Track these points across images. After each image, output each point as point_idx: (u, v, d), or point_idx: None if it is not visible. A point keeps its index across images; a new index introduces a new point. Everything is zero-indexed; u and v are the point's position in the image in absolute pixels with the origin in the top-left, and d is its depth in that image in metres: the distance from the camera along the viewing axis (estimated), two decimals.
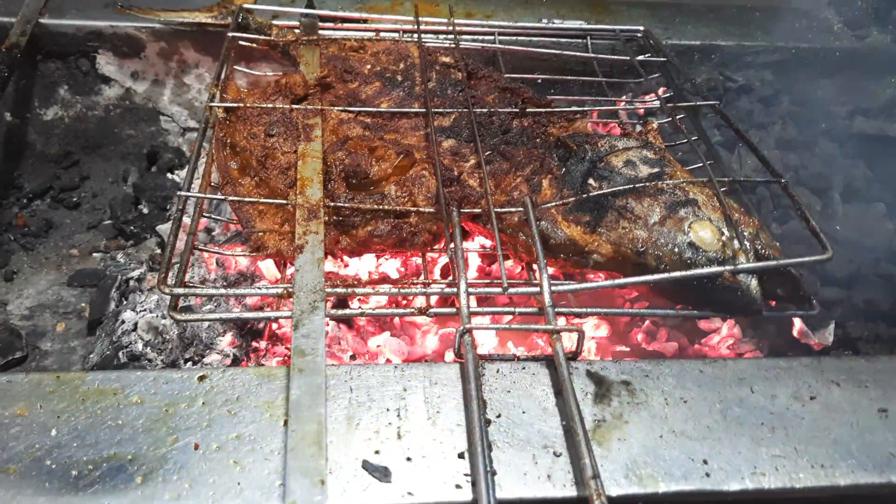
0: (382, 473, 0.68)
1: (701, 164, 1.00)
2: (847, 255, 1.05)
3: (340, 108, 1.03)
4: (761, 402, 0.77)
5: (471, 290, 0.82)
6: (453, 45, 1.22)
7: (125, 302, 1.04)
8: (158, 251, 1.13)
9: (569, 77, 1.31)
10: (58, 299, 1.08)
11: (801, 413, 0.76)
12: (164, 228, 1.16)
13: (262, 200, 0.88)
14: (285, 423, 0.69)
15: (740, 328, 0.99)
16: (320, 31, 1.27)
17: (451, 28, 1.28)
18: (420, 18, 1.29)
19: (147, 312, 1.01)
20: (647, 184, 0.89)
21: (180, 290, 0.77)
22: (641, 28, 1.36)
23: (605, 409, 0.75)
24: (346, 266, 1.03)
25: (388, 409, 0.73)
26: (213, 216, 0.94)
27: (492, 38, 1.33)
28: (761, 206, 1.12)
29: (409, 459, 0.69)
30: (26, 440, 0.68)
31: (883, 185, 1.26)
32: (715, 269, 0.82)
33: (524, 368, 0.78)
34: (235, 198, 0.89)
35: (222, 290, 0.79)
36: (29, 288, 1.10)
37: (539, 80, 1.34)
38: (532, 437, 0.72)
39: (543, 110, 1.06)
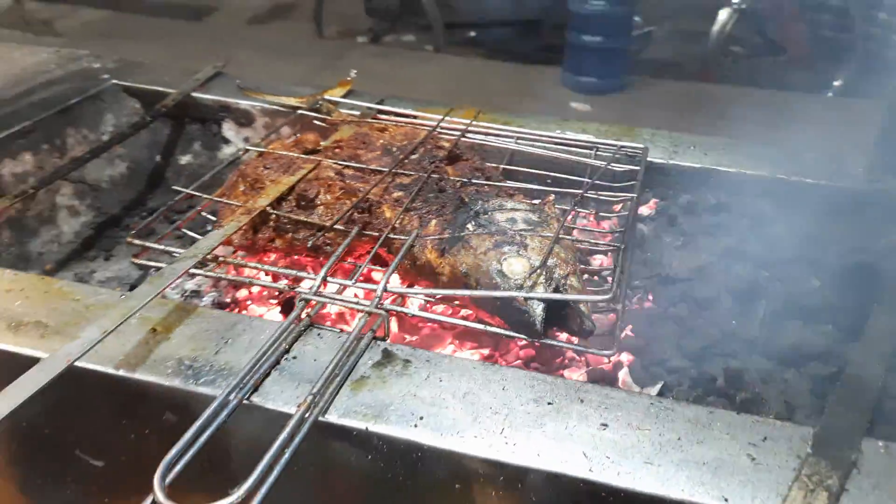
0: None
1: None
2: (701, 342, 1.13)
3: (332, 162, 1.36)
4: (497, 399, 0.92)
5: (329, 279, 1.07)
6: (460, 137, 1.51)
7: None
8: None
9: (559, 175, 1.52)
10: (125, 275, 1.49)
11: (528, 410, 0.90)
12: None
13: (225, 201, 1.23)
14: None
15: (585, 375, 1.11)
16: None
17: (468, 126, 1.57)
18: (449, 117, 1.60)
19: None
20: (515, 232, 1.09)
21: (137, 242, 1.13)
22: (642, 146, 1.55)
23: (377, 371, 0.95)
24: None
25: (218, 338, 1.00)
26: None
27: (512, 139, 1.60)
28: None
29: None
30: None
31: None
32: (506, 293, 0.99)
33: (339, 337, 1.01)
34: (208, 196, 1.25)
35: (168, 248, 1.13)
36: (114, 266, 1.53)
37: (549, 180, 1.57)
38: (306, 377, 0.94)
39: (486, 182, 1.30)
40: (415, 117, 1.66)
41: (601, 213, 1.45)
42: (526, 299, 0.99)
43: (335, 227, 1.17)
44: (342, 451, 0.89)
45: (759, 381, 1.06)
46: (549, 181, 1.53)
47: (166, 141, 1.80)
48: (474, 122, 1.59)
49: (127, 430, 0.97)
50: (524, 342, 1.22)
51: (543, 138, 1.60)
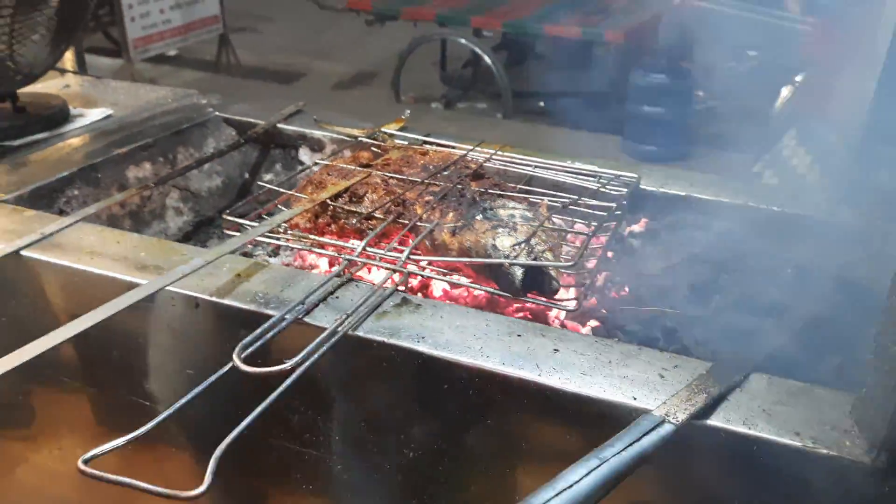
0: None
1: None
2: None
3: (381, 173, 1.73)
4: (480, 329, 1.24)
5: (368, 249, 1.43)
6: (486, 161, 1.87)
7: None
8: None
9: (564, 194, 1.85)
10: None
11: (501, 337, 1.22)
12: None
13: (296, 194, 1.61)
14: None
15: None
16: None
17: (494, 154, 1.93)
18: (480, 148, 1.96)
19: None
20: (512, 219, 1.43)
21: (230, 218, 1.51)
22: (636, 175, 1.87)
23: (395, 309, 1.29)
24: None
25: (283, 282, 1.36)
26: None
27: (530, 167, 1.94)
28: None
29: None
30: None
31: None
32: (495, 260, 1.33)
33: (372, 288, 1.35)
34: (284, 190, 1.63)
35: (248, 222, 1.51)
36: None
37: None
38: (344, 309, 1.28)
39: (499, 193, 1.65)
40: (452, 147, 2.03)
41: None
42: (510, 265, 1.32)
43: (375, 215, 1.54)
44: (365, 359, 1.23)
45: (694, 342, 1.35)
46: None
47: (254, 162, 2.22)
48: (499, 152, 1.95)
49: (214, 348, 1.33)
50: (520, 314, 1.54)
51: (556, 167, 1.94)
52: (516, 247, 1.34)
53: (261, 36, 8.75)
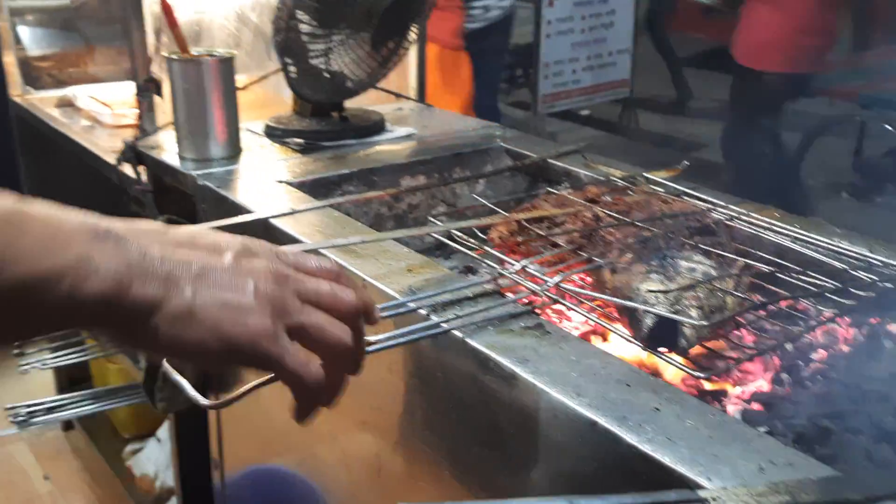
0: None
1: None
2: None
3: (600, 210, 1.69)
4: (591, 369, 1.14)
5: (527, 269, 1.41)
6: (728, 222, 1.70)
7: None
8: None
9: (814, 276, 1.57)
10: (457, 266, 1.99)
11: (608, 382, 1.11)
12: None
13: (500, 211, 1.64)
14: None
15: None
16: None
17: (744, 212, 1.74)
18: (736, 207, 1.78)
19: None
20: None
21: (435, 217, 1.61)
22: None
23: (520, 329, 1.26)
24: None
25: (437, 282, 1.40)
26: None
27: (788, 237, 1.70)
28: None
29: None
30: None
31: None
32: (624, 302, 1.21)
33: (500, 301, 1.33)
34: (490, 205, 1.67)
35: (436, 221, 1.59)
36: (451, 262, 2.05)
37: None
38: (467, 311, 1.29)
39: (701, 247, 1.49)
40: (709, 201, 1.87)
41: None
42: (643, 312, 1.20)
43: (559, 242, 1.51)
44: (467, 363, 1.22)
45: (864, 454, 1.07)
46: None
47: (520, 190, 2.30)
48: (754, 214, 1.75)
49: None
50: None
51: (819, 242, 1.67)
52: (658, 295, 1.21)
53: (671, 104, 8.53)
